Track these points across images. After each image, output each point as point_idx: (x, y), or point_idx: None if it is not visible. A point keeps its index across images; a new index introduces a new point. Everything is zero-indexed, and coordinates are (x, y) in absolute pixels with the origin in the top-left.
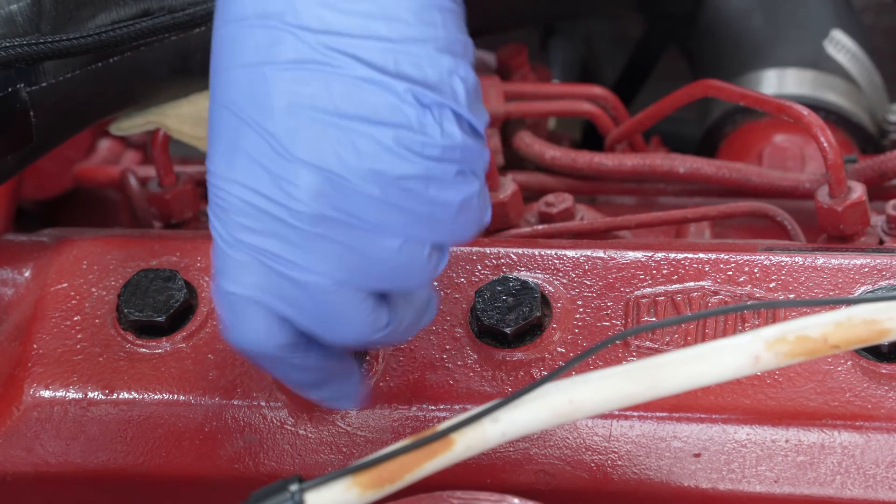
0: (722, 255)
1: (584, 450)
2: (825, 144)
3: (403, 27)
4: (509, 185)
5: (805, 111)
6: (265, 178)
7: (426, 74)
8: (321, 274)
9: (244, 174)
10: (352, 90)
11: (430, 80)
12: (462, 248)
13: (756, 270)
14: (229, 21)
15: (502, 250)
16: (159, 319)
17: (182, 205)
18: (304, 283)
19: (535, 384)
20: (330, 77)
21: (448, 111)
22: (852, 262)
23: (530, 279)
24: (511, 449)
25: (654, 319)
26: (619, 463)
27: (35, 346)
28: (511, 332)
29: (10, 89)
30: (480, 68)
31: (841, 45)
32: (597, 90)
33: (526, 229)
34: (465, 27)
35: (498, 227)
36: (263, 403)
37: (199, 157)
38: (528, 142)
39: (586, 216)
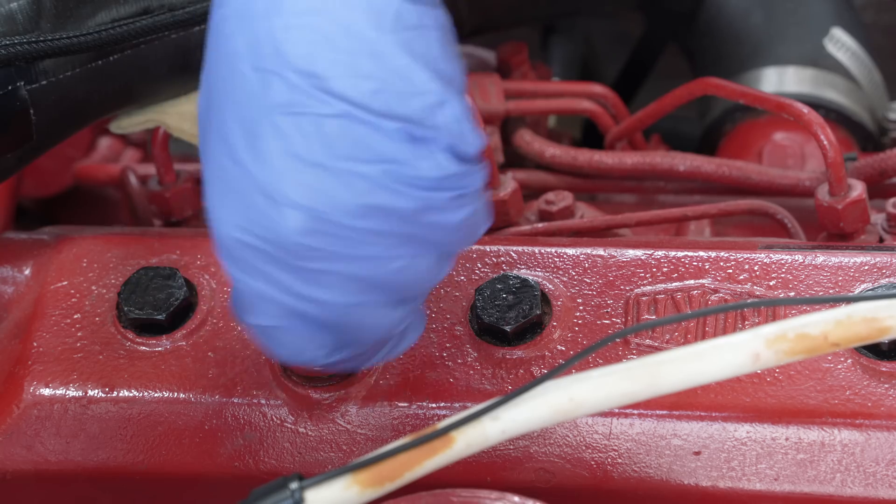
0: (722, 253)
1: (584, 448)
2: (825, 142)
3: (388, 62)
4: (509, 183)
5: (805, 109)
6: (258, 219)
7: (413, 110)
8: (330, 303)
9: (239, 216)
10: (340, 130)
11: (417, 116)
12: None
13: (756, 268)
14: (223, 57)
15: (502, 248)
16: (159, 317)
17: (182, 203)
18: (317, 312)
19: (536, 382)
20: (318, 118)
21: (439, 143)
22: (852, 260)
23: (530, 277)
24: (511, 447)
25: (654, 317)
26: (619, 461)
27: (35, 344)
28: (511, 330)
29: (9, 87)
30: (481, 66)
31: (841, 43)
32: (597, 88)
33: (526, 227)
34: (451, 45)
35: (498, 225)
36: (263, 401)
37: (199, 155)
38: (528, 140)
39: (586, 214)
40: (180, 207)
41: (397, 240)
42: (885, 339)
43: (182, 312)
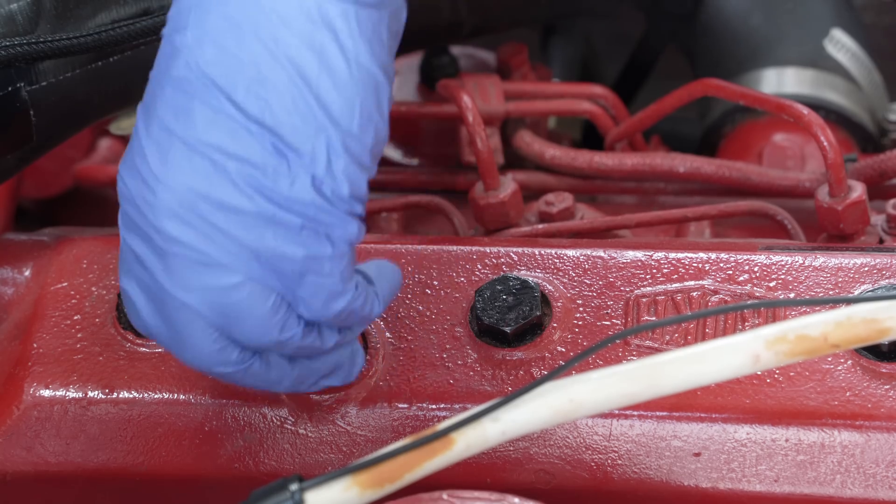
0: (722, 255)
1: (584, 449)
2: (825, 143)
3: (280, 76)
4: (509, 184)
5: (805, 110)
6: (138, 186)
7: (286, 129)
8: (170, 290)
9: (129, 176)
10: (216, 121)
11: (288, 135)
12: (462, 248)
13: (756, 269)
14: (165, 31)
15: (502, 249)
16: None
17: None
18: (158, 293)
19: (536, 383)
20: (200, 104)
21: (305, 168)
22: (852, 262)
23: (530, 278)
24: (511, 448)
25: (654, 319)
26: (619, 462)
27: (35, 345)
28: (511, 331)
29: (10, 88)
30: (481, 67)
31: (841, 44)
32: (597, 89)
33: (526, 228)
34: (361, 86)
35: (498, 226)
36: (263, 403)
37: None
38: (528, 141)
39: (586, 215)
40: None
41: (239, 250)
42: (885, 340)
43: None
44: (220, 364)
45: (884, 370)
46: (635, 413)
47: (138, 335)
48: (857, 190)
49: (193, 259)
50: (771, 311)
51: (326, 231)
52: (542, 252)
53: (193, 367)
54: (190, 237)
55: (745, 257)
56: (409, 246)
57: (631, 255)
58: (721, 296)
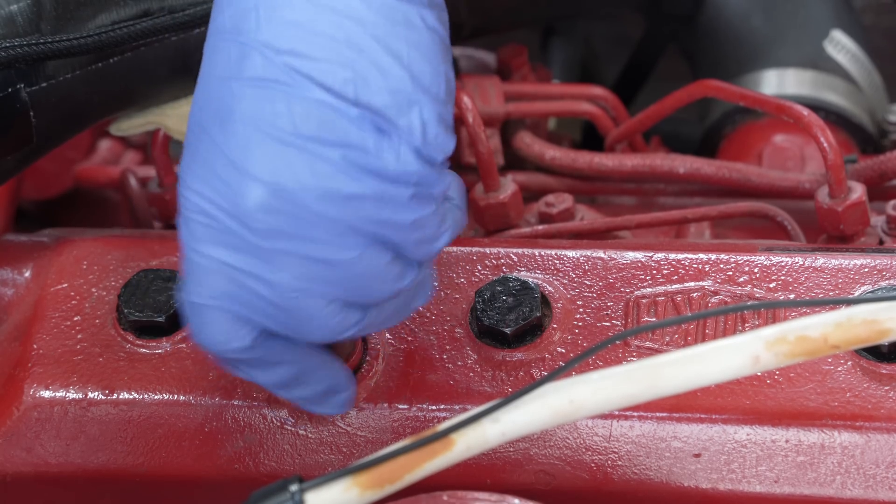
0: (722, 256)
1: (584, 450)
2: (825, 145)
3: (367, 54)
4: (509, 185)
5: (805, 111)
6: (222, 190)
7: (383, 103)
8: (279, 284)
9: (204, 185)
10: (308, 111)
11: (385, 110)
12: (462, 249)
13: (756, 270)
14: (211, 32)
15: (502, 250)
16: (159, 319)
17: None
18: (264, 292)
19: (535, 384)
20: (289, 97)
21: (404, 141)
22: (852, 263)
23: (530, 279)
24: (511, 449)
25: (654, 320)
26: (620, 463)
27: (35, 346)
28: (511, 332)
29: (10, 89)
30: (481, 68)
31: (841, 46)
32: (597, 90)
33: (526, 229)
34: (440, 49)
35: (498, 227)
36: (263, 403)
37: None
38: (528, 142)
39: (586, 216)
40: None
41: (350, 230)
42: (885, 341)
43: (182, 315)
44: (345, 330)
45: (884, 371)
46: (635, 414)
47: (138, 336)
48: (857, 191)
49: (304, 248)
50: (771, 312)
51: (429, 192)
52: (542, 253)
53: (323, 341)
54: (296, 229)
55: (745, 258)
56: None
57: (631, 256)
58: (721, 297)
